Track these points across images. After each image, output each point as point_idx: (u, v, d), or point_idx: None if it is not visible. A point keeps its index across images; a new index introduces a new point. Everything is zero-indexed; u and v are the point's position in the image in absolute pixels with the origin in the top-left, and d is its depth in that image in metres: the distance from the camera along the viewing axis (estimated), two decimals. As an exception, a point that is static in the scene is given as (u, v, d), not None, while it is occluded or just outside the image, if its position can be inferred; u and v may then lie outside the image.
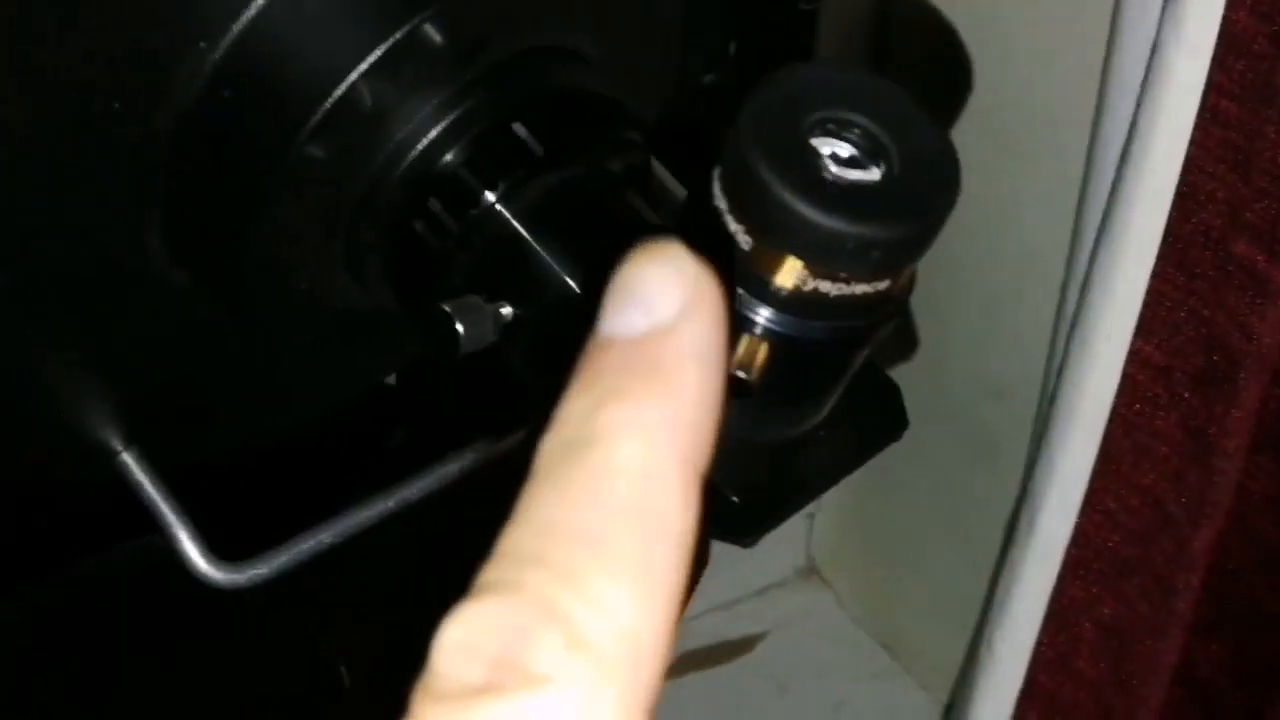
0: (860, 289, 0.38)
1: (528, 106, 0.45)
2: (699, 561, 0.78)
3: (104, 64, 0.41)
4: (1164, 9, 0.48)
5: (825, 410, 0.42)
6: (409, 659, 0.73)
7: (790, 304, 0.38)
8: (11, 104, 0.40)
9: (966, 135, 0.71)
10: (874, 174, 0.38)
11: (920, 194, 0.37)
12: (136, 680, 0.77)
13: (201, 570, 0.53)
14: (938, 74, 0.82)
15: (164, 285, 0.48)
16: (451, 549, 0.82)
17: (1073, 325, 0.56)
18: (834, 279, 0.37)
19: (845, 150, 0.38)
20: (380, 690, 0.80)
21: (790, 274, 0.37)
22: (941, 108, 0.80)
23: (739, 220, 0.37)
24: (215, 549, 0.54)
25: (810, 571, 1.11)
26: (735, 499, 0.41)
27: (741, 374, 0.38)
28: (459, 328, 0.44)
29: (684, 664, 1.03)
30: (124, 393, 0.51)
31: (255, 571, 0.54)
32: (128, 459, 0.53)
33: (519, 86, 0.45)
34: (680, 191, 0.56)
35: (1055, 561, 0.59)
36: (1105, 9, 0.60)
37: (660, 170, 0.52)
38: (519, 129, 0.45)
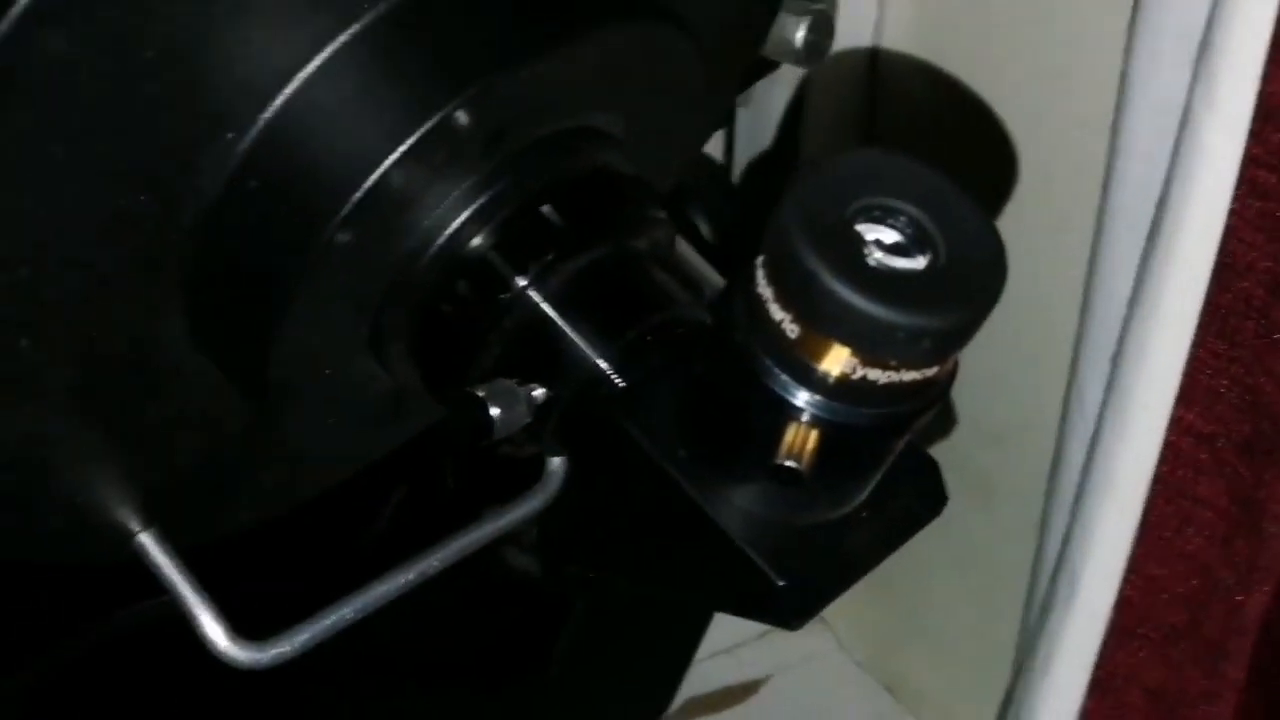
0: (909, 376, 0.37)
1: (555, 188, 0.45)
2: (705, 611, 0.77)
3: (129, 156, 0.40)
4: (1194, 80, 0.48)
5: (867, 491, 0.42)
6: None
7: (838, 392, 0.38)
8: (38, 196, 0.39)
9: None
10: (919, 261, 0.37)
11: (968, 281, 0.37)
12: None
13: (223, 650, 0.52)
14: (930, 134, 0.82)
15: (185, 369, 0.47)
16: (460, 616, 0.81)
17: (1107, 393, 0.56)
18: (884, 367, 0.37)
19: (890, 236, 0.38)
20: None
21: (839, 362, 0.37)
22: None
23: (785, 308, 0.37)
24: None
25: (811, 614, 1.10)
26: (781, 583, 0.41)
27: (791, 464, 0.38)
28: (493, 413, 0.43)
29: (688, 710, 1.02)
30: (143, 474, 0.50)
31: (279, 650, 0.53)
32: (145, 540, 0.52)
33: (546, 169, 0.45)
34: (699, 262, 0.56)
35: (1099, 629, 0.58)
36: (1111, 74, 0.60)
37: (680, 243, 0.52)
38: (547, 211, 0.44)
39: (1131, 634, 0.58)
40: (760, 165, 0.87)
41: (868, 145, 0.85)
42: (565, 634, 0.83)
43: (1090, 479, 0.57)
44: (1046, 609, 0.61)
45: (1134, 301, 0.54)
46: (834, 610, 1.12)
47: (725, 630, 1.04)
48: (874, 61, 0.84)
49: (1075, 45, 0.70)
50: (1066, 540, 0.60)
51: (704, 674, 1.03)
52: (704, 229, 0.73)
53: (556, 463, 0.61)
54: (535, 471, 0.82)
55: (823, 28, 0.66)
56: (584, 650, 0.83)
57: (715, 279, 0.55)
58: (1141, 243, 0.54)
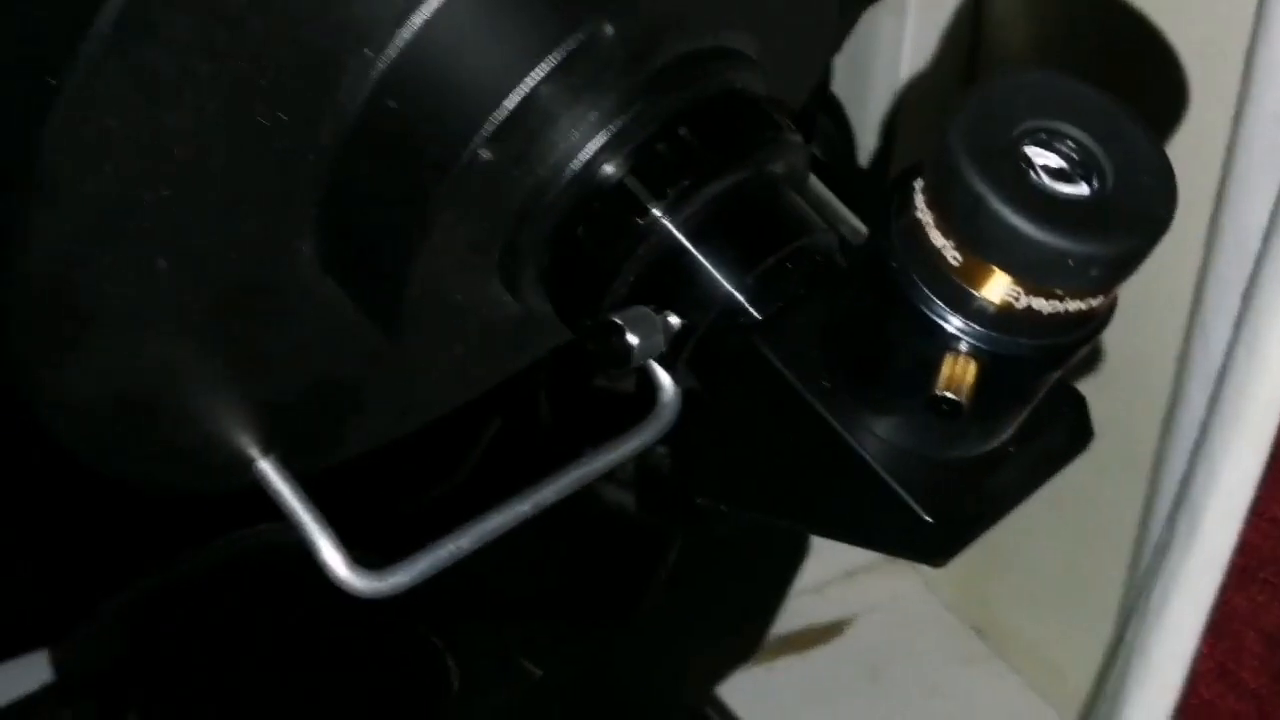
0: (1073, 306, 0.36)
1: (693, 111, 0.44)
2: (798, 550, 0.77)
3: (270, 74, 0.39)
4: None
5: (1016, 425, 0.41)
6: (516, 660, 0.71)
7: (999, 321, 0.36)
8: (180, 113, 0.39)
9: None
10: (1083, 186, 0.36)
11: (1138, 206, 0.36)
12: (249, 665, 0.77)
13: (343, 578, 0.52)
14: (1038, 61, 0.80)
15: (312, 294, 0.46)
16: (555, 549, 0.81)
17: (1237, 329, 0.54)
18: (1049, 296, 0.36)
19: (1054, 161, 0.36)
20: (487, 690, 0.80)
21: (1002, 290, 0.36)
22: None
23: (946, 235, 0.36)
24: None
25: (897, 554, 1.09)
26: (929, 519, 0.40)
27: (951, 395, 0.36)
28: (631, 340, 0.43)
29: (773, 648, 1.02)
30: (267, 400, 0.50)
31: (396, 580, 0.52)
32: (266, 466, 0.52)
33: (684, 90, 0.44)
34: (821, 189, 0.55)
35: (1218, 571, 0.57)
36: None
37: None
38: (685, 134, 0.43)
39: (1252, 577, 0.57)
40: (861, 93, 0.86)
41: (1031, 66, 0.83)
42: (659, 571, 0.82)
43: (1217, 416, 0.56)
44: (1163, 549, 0.60)
45: (1270, 234, 0.52)
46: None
47: (810, 569, 1.04)
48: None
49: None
50: (1187, 480, 0.58)
51: (789, 613, 1.02)
52: (817, 153, 0.72)
53: (670, 394, 0.60)
54: (630, 404, 0.81)
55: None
56: (677, 587, 0.83)
57: (840, 207, 0.54)
58: (1278, 172, 0.53)
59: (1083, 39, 0.77)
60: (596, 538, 0.83)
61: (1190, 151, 0.69)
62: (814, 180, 0.51)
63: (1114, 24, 0.75)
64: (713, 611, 0.89)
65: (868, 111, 0.83)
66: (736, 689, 0.95)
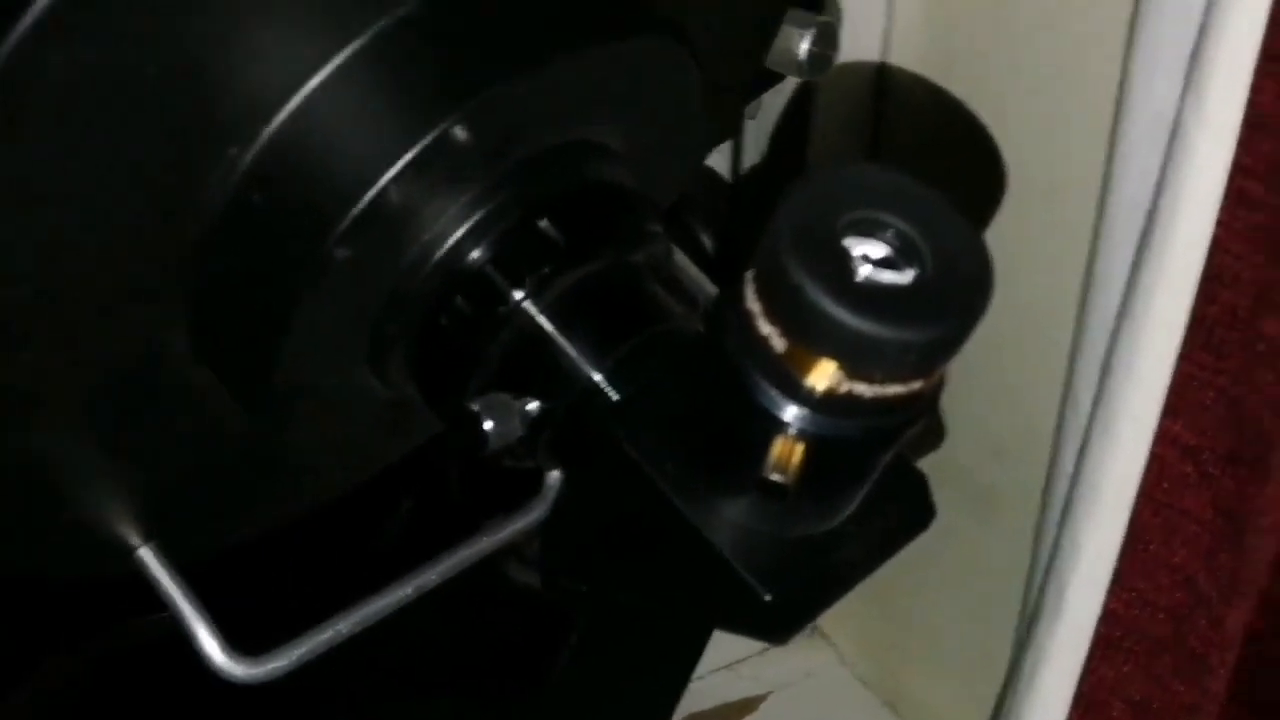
0: (894, 389, 0.38)
1: (552, 203, 0.45)
2: (704, 628, 0.77)
3: (132, 173, 0.41)
4: (1184, 90, 0.49)
5: (854, 504, 0.43)
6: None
7: (824, 405, 0.38)
8: (41, 214, 0.40)
9: (966, 203, 0.72)
10: (907, 275, 0.38)
11: (954, 295, 0.37)
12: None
13: (219, 664, 0.53)
14: (934, 146, 0.83)
15: (187, 383, 0.48)
16: (459, 627, 0.82)
17: (1095, 406, 0.56)
18: (869, 381, 0.37)
19: (878, 251, 0.38)
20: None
21: (825, 376, 0.37)
22: (939, 181, 0.80)
23: (772, 323, 0.38)
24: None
25: (812, 630, 1.11)
26: (767, 597, 0.41)
27: (778, 477, 0.38)
28: (487, 426, 0.44)
29: (687, 726, 1.03)
30: (144, 488, 0.51)
31: (275, 665, 0.53)
32: (145, 554, 0.52)
33: (543, 183, 0.45)
34: (696, 274, 0.57)
35: (1084, 641, 0.58)
36: (1110, 83, 0.60)
37: (678, 254, 0.52)
38: (545, 225, 0.45)
39: (1116, 646, 0.58)
40: (767, 176, 0.88)
41: (861, 160, 0.85)
42: (564, 648, 0.83)
43: (1078, 490, 0.58)
44: (1034, 620, 0.62)
45: (1123, 313, 0.54)
46: (835, 625, 1.12)
47: (725, 646, 1.05)
48: (880, 74, 0.84)
49: (1083, 60, 0.70)
50: (1054, 552, 0.60)
51: (703, 690, 1.03)
52: (705, 240, 0.73)
53: (554, 476, 0.61)
54: (539, 483, 0.82)
55: (827, 40, 0.66)
56: (582, 665, 0.84)
57: (714, 291, 0.56)
58: (1133, 254, 0.55)
59: (975, 122, 0.80)
60: (501, 615, 0.84)
61: (1073, 234, 0.71)
62: (684, 265, 0.53)
63: (1004, 110, 0.78)
64: (619, 687, 0.89)
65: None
66: (650, 767, 0.96)
